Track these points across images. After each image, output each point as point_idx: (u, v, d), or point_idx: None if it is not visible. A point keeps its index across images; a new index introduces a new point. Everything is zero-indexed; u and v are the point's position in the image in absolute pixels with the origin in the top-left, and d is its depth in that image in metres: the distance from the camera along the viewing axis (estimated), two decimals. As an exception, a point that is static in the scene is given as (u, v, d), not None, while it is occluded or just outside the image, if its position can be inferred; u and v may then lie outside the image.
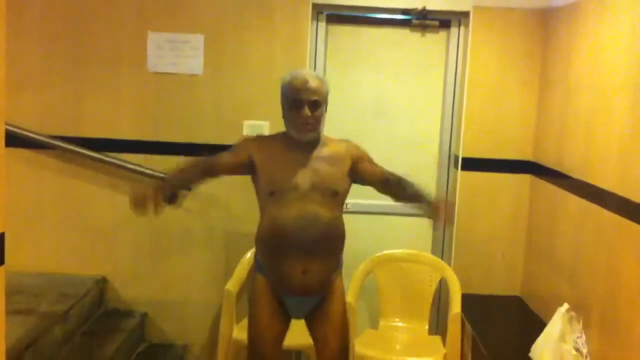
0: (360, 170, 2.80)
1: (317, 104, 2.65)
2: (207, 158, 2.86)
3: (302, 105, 2.63)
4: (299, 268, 2.64)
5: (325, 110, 2.73)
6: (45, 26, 3.62)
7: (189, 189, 3.31)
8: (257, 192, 2.79)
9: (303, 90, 2.63)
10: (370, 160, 2.85)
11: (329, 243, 2.71)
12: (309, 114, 2.64)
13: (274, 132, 3.60)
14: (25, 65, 3.62)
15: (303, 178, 2.66)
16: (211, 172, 2.85)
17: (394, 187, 2.81)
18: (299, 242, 2.62)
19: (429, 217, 2.79)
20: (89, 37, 3.64)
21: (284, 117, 2.74)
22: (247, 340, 2.80)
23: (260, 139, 2.88)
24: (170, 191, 2.86)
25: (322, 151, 2.73)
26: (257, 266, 2.83)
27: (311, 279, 2.66)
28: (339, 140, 2.84)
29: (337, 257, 2.80)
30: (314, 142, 2.73)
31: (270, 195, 2.68)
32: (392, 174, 2.82)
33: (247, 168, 2.76)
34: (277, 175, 2.68)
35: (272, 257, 2.71)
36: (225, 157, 2.81)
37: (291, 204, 2.63)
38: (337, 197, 2.72)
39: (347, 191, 2.79)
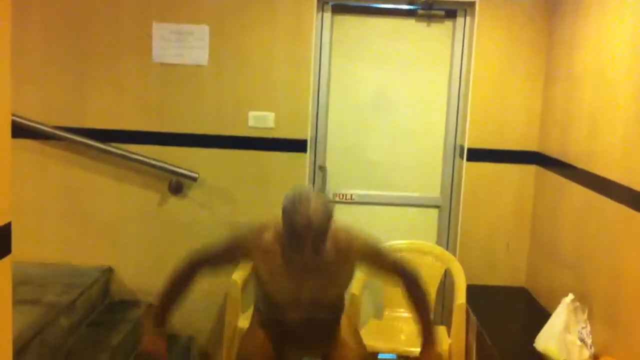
0: (367, 268, 2.67)
1: (321, 240, 2.30)
2: (194, 262, 2.56)
3: (304, 245, 2.27)
4: (301, 350, 2.70)
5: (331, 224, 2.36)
6: (50, 16, 3.62)
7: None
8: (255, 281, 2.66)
9: (305, 231, 2.24)
10: (377, 257, 2.58)
11: (332, 331, 2.70)
12: (312, 255, 2.30)
13: (279, 123, 3.68)
14: (29, 57, 3.62)
15: (305, 294, 2.48)
16: (200, 272, 2.57)
17: (406, 291, 2.60)
18: (301, 340, 2.63)
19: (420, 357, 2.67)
20: (94, 28, 3.64)
21: (283, 234, 2.36)
22: (236, 355, 2.78)
23: (257, 244, 2.47)
24: (167, 319, 2.61)
25: (326, 258, 2.40)
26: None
27: (314, 350, 2.72)
28: (344, 237, 2.48)
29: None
30: None
31: (269, 302, 2.60)
32: (404, 274, 2.57)
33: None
34: (277, 294, 2.52)
35: (273, 335, 2.67)
36: (218, 257, 2.60)
37: (291, 314, 2.54)
38: (340, 300, 2.69)
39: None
